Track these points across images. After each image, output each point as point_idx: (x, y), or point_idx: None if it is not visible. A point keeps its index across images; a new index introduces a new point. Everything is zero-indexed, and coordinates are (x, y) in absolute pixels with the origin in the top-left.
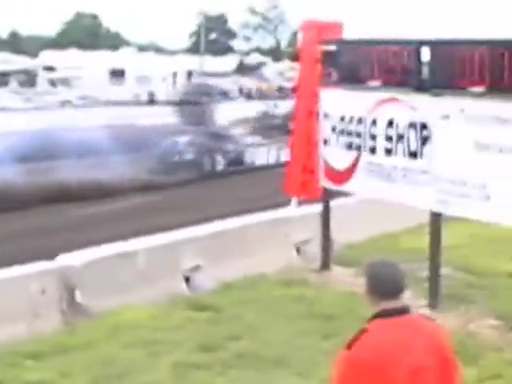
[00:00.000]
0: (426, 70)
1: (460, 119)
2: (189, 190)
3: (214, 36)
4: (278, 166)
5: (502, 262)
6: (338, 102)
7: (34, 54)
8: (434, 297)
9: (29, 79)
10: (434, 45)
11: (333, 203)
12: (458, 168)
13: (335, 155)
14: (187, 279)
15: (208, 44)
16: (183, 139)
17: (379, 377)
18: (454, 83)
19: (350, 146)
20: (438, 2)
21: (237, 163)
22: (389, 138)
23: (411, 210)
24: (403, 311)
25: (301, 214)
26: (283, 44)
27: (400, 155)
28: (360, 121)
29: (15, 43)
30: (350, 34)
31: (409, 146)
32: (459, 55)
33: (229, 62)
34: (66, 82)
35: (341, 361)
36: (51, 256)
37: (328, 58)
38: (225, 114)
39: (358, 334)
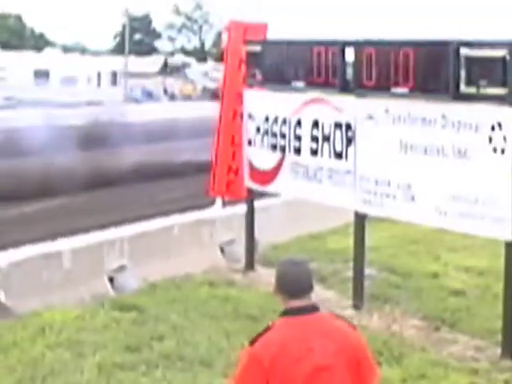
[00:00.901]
0: (350, 71)
1: (385, 120)
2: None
3: (138, 36)
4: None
5: (427, 263)
6: (262, 103)
7: None
8: (359, 297)
9: None
10: (359, 45)
11: (257, 204)
12: (383, 168)
13: (260, 156)
14: (112, 280)
15: (132, 44)
16: None
17: (279, 374)
18: (379, 84)
19: (274, 147)
20: (364, 2)
21: None
22: (314, 139)
23: (338, 211)
24: (309, 310)
25: (225, 214)
26: (208, 44)
27: (326, 156)
28: (285, 121)
29: None
30: (274, 34)
31: (334, 146)
32: (384, 56)
33: (153, 63)
34: None
35: (243, 356)
36: None
37: (253, 59)
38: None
39: (262, 331)
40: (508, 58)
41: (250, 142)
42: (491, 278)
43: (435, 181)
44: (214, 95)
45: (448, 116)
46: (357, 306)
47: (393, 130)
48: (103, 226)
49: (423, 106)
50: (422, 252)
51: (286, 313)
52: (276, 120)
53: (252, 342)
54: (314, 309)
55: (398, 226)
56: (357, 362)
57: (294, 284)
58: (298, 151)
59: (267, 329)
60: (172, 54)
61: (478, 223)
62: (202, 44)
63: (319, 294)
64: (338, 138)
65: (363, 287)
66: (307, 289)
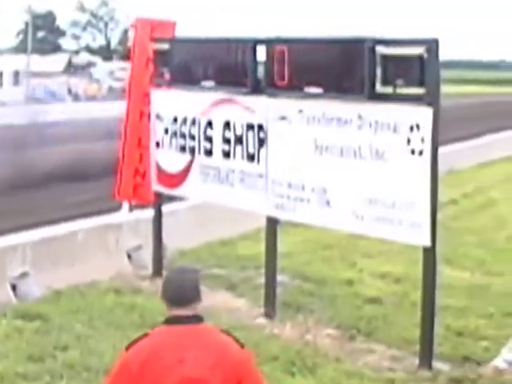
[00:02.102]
0: (262, 70)
1: (298, 120)
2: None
3: (41, 34)
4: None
5: (341, 270)
6: (170, 103)
7: None
8: (271, 305)
9: None
10: (270, 43)
11: (165, 208)
12: (297, 171)
13: (168, 158)
14: (14, 287)
15: (36, 43)
16: None
17: (147, 381)
18: (292, 83)
19: (183, 149)
20: (274, 1)
21: None
22: (226, 141)
23: (249, 215)
24: (190, 321)
25: (132, 219)
26: (114, 43)
27: (238, 158)
28: (194, 122)
29: None
30: (183, 33)
31: (247, 148)
32: (296, 54)
33: (57, 62)
34: None
35: (116, 362)
36: None
37: (160, 57)
38: None
39: (139, 337)
40: (425, 56)
41: (157, 144)
42: (408, 285)
43: (351, 184)
44: (120, 95)
45: (364, 116)
46: (269, 314)
47: (307, 130)
48: (9, 231)
49: (338, 106)
50: (336, 258)
51: (166, 321)
52: (185, 121)
53: (127, 348)
54: (195, 320)
55: (311, 231)
56: (237, 379)
57: (176, 292)
58: (208, 153)
59: (144, 336)
60: (77, 52)
61: (395, 228)
62: (108, 42)
63: (229, 302)
64: (251, 139)
65: (275, 295)
66: (191, 298)
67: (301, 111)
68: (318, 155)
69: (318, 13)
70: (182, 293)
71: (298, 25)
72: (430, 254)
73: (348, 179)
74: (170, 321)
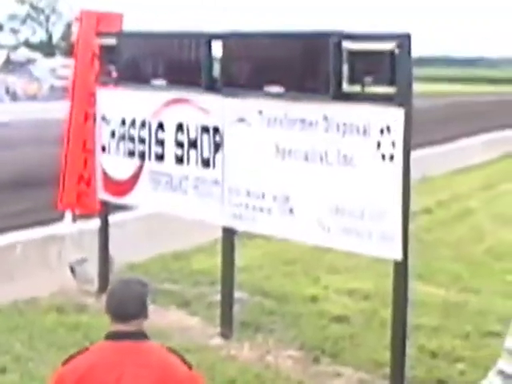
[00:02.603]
0: (217, 68)
1: (258, 123)
2: None
3: None
4: None
5: (305, 286)
6: (118, 104)
7: None
8: (227, 325)
9: None
10: (227, 38)
11: (112, 218)
12: (256, 178)
13: (115, 164)
14: None
15: None
16: None
17: None
18: (251, 82)
19: (132, 154)
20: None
21: None
22: (179, 144)
23: (205, 225)
24: (132, 337)
25: (76, 230)
26: (56, 37)
27: (192, 163)
28: (144, 125)
29: None
30: (132, 26)
31: (201, 153)
32: (256, 50)
33: None
34: None
35: (52, 376)
36: None
37: (107, 53)
38: None
39: (77, 352)
40: (396, 52)
41: (103, 148)
42: (378, 302)
43: (317, 192)
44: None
45: (330, 118)
46: (225, 334)
47: (268, 133)
48: None
49: (302, 107)
50: (299, 273)
51: (107, 336)
52: (134, 123)
53: (64, 363)
54: (139, 336)
55: (272, 243)
56: None
57: (119, 306)
58: (160, 158)
59: (83, 350)
60: (15, 48)
61: (364, 240)
62: (50, 37)
63: (182, 320)
64: (206, 143)
65: (232, 313)
66: (134, 313)
67: (260, 112)
68: (280, 160)
69: (284, 11)
70: (124, 307)
71: (259, 23)
72: (401, 268)
73: (313, 186)
74: (111, 336)
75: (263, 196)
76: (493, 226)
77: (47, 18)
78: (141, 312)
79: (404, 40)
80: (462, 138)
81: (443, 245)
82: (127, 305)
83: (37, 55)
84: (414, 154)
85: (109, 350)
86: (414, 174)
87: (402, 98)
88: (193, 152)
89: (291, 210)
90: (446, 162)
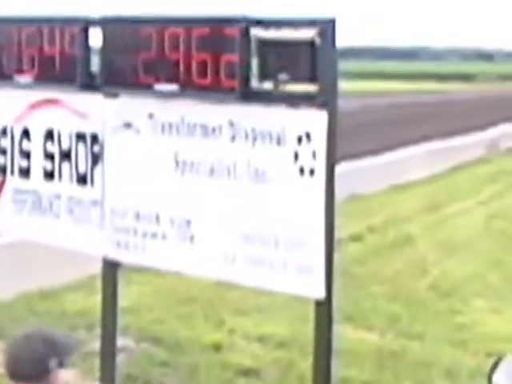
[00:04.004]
0: (96, 61)
1: (149, 129)
2: None
3: None
4: None
5: (205, 331)
6: None
7: None
8: (109, 378)
9: None
10: (107, 25)
11: None
12: (148, 197)
13: None
14: None
15: None
16: None
17: None
18: (138, 80)
19: None
20: None
21: None
22: (49, 156)
23: (81, 257)
24: None
25: None
26: None
27: (65, 180)
28: (4, 132)
29: None
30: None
31: (77, 166)
32: (144, 40)
33: None
34: None
35: None
36: None
37: None
38: None
39: None
40: (318, 41)
41: None
42: (295, 350)
43: (223, 214)
44: None
45: (237, 123)
46: None
47: (162, 142)
48: None
49: (202, 109)
50: (198, 315)
51: None
52: None
53: None
54: None
55: (165, 278)
56: None
57: (12, 365)
58: (25, 173)
59: None
60: None
61: (278, 274)
62: None
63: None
64: (82, 154)
65: (115, 364)
66: (30, 375)
67: (151, 116)
68: (178, 175)
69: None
70: (18, 366)
71: (150, 7)
72: (324, 309)
73: (219, 207)
74: None
75: (157, 219)
76: (437, 257)
77: None
78: (41, 372)
79: (327, 27)
80: (401, 148)
81: (377, 280)
82: (24, 364)
83: None
84: (341, 168)
85: None
86: (341, 192)
87: (325, 98)
88: (66, 165)
89: (192, 238)
90: (380, 176)
